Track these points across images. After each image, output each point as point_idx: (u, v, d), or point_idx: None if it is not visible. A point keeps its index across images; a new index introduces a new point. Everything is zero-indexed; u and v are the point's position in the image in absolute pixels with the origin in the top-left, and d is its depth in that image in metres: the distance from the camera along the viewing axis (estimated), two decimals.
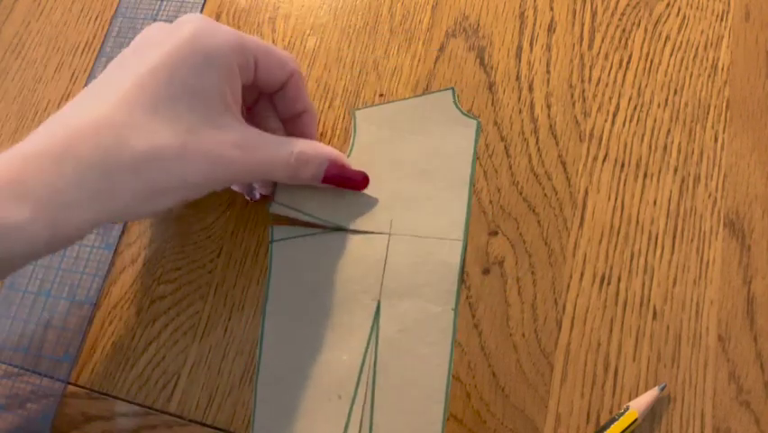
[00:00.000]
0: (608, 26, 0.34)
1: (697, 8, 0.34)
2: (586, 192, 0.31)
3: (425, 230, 0.31)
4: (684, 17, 0.34)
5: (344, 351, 0.29)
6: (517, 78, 0.34)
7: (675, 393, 0.27)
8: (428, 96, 0.34)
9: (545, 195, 0.31)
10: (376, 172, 0.32)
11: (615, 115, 0.32)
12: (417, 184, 0.32)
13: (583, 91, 0.33)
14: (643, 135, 0.32)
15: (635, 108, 0.32)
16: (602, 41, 0.34)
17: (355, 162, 0.32)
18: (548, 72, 0.33)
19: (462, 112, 0.33)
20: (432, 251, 0.31)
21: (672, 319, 0.29)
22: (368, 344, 0.30)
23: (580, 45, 0.34)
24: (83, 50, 0.38)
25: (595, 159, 0.32)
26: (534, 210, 0.31)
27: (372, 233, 0.31)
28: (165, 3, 0.39)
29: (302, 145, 0.29)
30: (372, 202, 0.31)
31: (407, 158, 0.32)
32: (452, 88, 0.33)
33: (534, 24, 0.35)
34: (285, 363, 0.30)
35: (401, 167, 0.32)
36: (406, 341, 0.29)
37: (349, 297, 0.30)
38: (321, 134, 0.34)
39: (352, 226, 0.31)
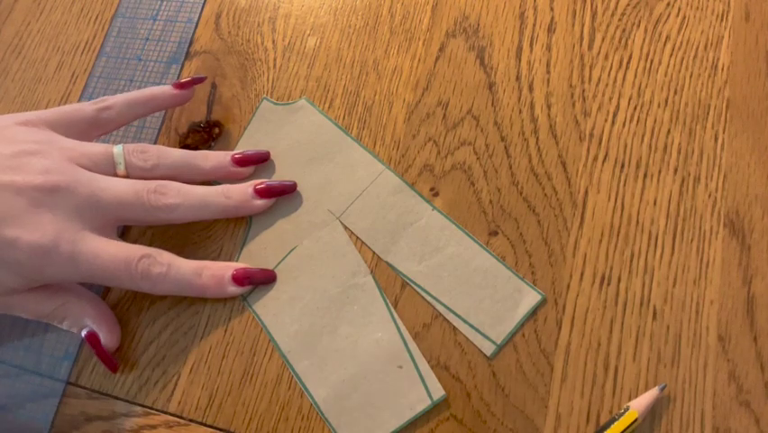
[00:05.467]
0: (608, 26, 0.34)
1: (697, 8, 0.34)
2: (586, 192, 0.31)
3: (356, 188, 0.33)
4: (684, 17, 0.34)
5: (374, 331, 0.29)
6: (517, 78, 0.34)
7: (675, 393, 0.27)
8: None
9: (545, 195, 0.31)
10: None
11: (615, 115, 0.32)
12: (316, 171, 0.33)
13: (583, 91, 0.33)
14: (643, 135, 0.32)
15: (635, 108, 0.32)
16: (602, 41, 0.34)
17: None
18: (548, 72, 0.33)
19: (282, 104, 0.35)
20: (377, 193, 0.32)
21: (672, 319, 0.29)
22: (390, 312, 0.30)
23: (580, 45, 0.34)
24: (83, 50, 0.38)
25: (595, 159, 0.32)
26: (534, 210, 0.31)
27: (323, 229, 0.32)
28: (165, 3, 0.39)
29: (64, 312, 0.30)
30: (299, 205, 0.33)
31: (295, 161, 0.34)
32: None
33: (534, 24, 0.35)
34: (333, 381, 0.29)
35: (299, 173, 0.33)
36: (434, 261, 0.30)
37: (344, 291, 0.30)
38: None
39: (305, 239, 0.32)
